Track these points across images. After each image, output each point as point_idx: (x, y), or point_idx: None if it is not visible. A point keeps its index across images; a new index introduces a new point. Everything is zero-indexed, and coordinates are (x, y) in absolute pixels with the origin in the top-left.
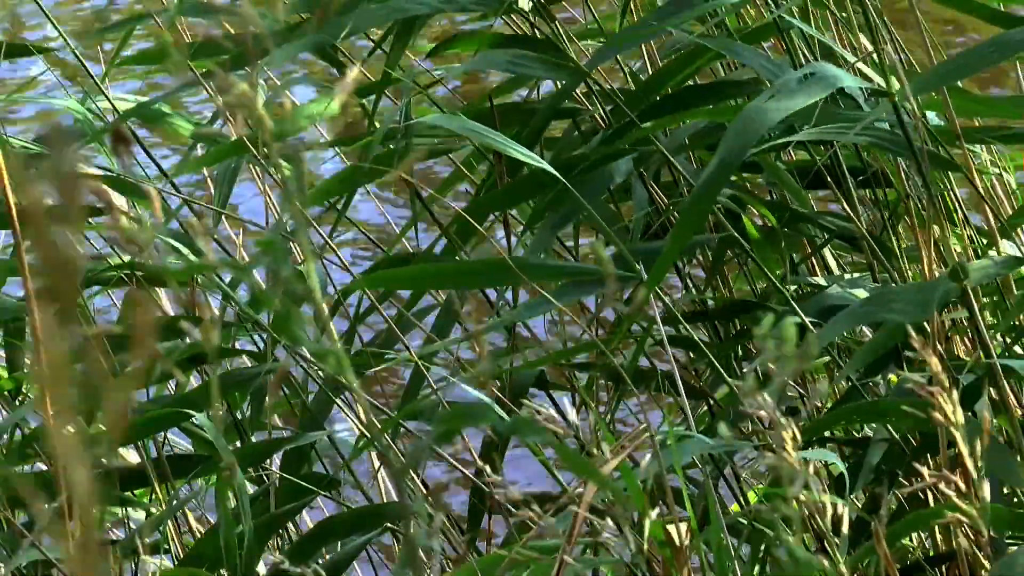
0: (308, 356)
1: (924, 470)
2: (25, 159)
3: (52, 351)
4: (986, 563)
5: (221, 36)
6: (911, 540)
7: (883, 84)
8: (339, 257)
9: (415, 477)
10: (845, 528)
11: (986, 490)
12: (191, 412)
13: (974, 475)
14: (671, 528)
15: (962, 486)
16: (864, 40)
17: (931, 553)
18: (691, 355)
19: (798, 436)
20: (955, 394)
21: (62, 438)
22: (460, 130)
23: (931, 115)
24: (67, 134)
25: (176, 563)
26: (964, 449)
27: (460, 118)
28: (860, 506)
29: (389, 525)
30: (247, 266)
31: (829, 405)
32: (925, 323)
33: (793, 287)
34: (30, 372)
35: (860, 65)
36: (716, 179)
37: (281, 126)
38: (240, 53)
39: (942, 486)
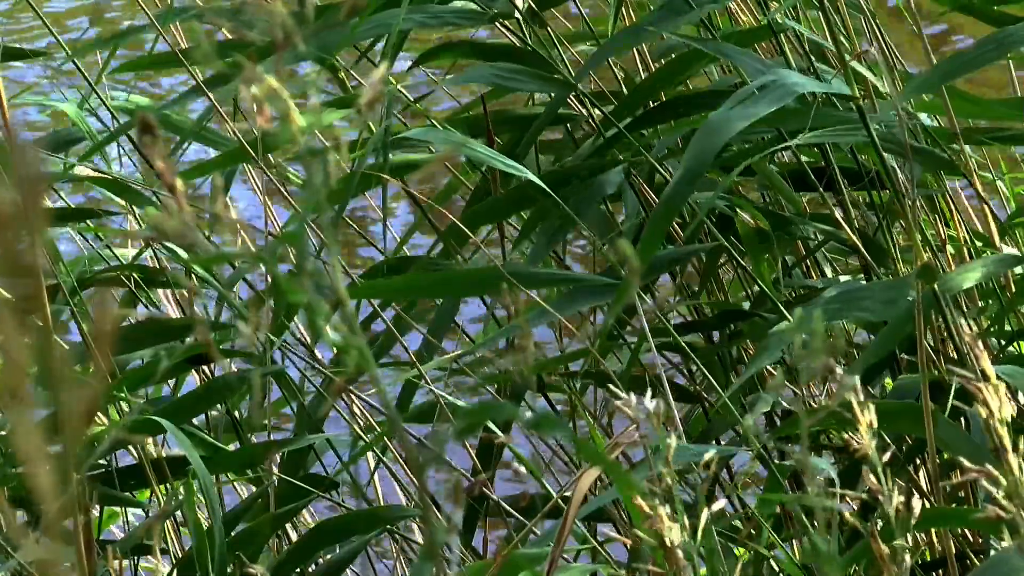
0: (307, 358)
1: (967, 464)
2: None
3: (14, 354)
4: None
5: (245, 34)
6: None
7: (866, 87)
8: (337, 259)
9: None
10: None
11: None
12: (163, 421)
13: (1016, 473)
14: (663, 528)
15: (1004, 482)
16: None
17: (927, 557)
18: (684, 359)
19: (874, 422)
20: (1002, 389)
21: (25, 441)
22: (445, 143)
23: (923, 116)
24: (27, 137)
25: (173, 564)
26: (1008, 445)
27: (445, 131)
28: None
29: (388, 528)
30: (271, 257)
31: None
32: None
33: (787, 290)
34: None
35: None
36: (681, 189)
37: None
38: (263, 50)
39: (985, 482)
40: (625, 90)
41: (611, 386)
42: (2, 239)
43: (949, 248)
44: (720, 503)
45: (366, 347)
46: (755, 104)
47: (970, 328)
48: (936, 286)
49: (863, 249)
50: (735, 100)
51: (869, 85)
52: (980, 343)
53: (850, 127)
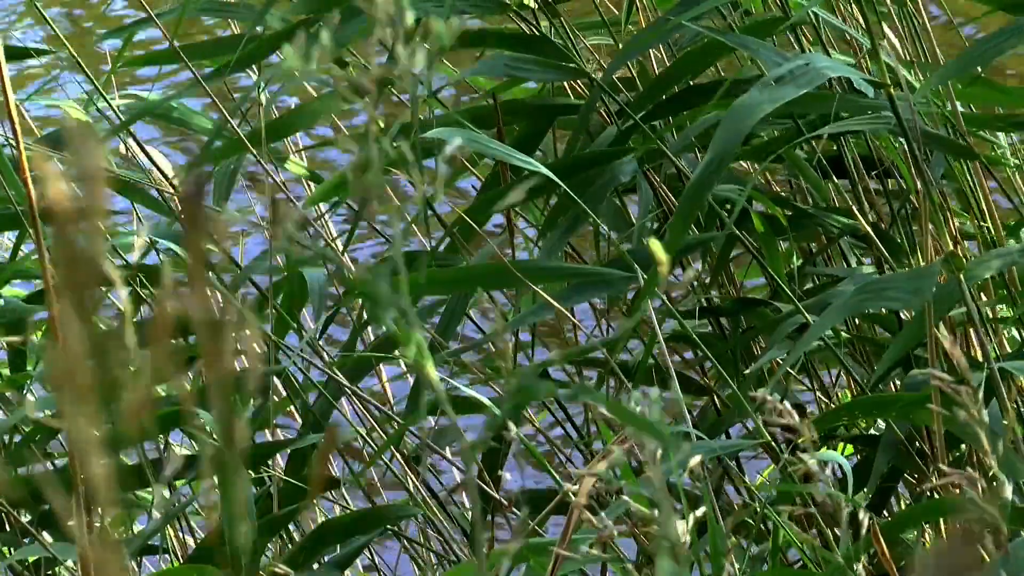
0: (308, 358)
1: (944, 467)
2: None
3: (70, 344)
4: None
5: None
6: (917, 537)
7: (888, 74)
8: (341, 257)
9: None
10: (846, 525)
11: (1008, 490)
12: (202, 412)
13: (998, 474)
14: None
15: (983, 484)
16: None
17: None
18: (696, 352)
19: (815, 436)
20: (980, 393)
21: (79, 433)
22: (466, 142)
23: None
24: (89, 134)
25: (176, 563)
26: (987, 447)
27: (460, 130)
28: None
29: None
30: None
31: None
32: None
33: (809, 278)
34: (47, 367)
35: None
36: (708, 176)
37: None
38: (246, 54)
39: (964, 484)
40: (639, 80)
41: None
42: (62, 232)
43: (967, 240)
44: (700, 510)
45: (423, 341)
46: (783, 87)
47: (983, 320)
48: (961, 275)
49: (878, 242)
50: (763, 84)
51: (896, 73)
52: (958, 348)
53: (874, 117)
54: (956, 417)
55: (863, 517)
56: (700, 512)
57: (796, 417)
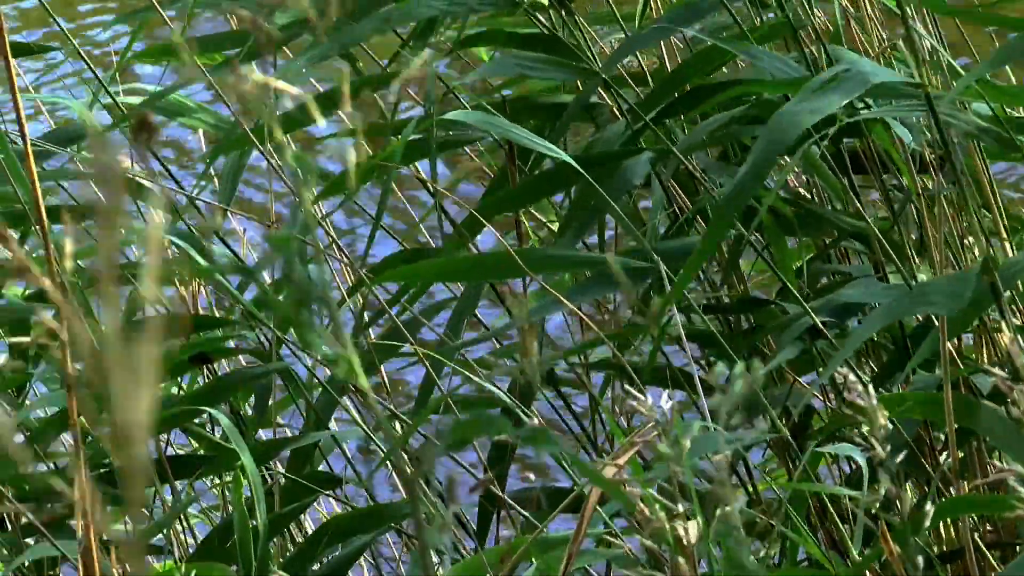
0: (314, 356)
1: (996, 464)
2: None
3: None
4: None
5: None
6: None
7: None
8: (345, 255)
9: (425, 479)
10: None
11: None
12: (204, 408)
13: None
14: (679, 527)
15: None
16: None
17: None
18: (703, 350)
19: (888, 425)
20: None
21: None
22: (486, 126)
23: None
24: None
25: (178, 562)
26: None
27: (485, 114)
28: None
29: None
30: (256, 268)
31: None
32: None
33: (821, 274)
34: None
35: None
36: (749, 183)
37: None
38: (253, 47)
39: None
40: (649, 76)
41: (627, 386)
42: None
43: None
44: (741, 500)
45: (355, 358)
46: (826, 96)
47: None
48: (997, 275)
49: (883, 243)
50: (807, 91)
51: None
52: (1017, 347)
53: (907, 104)
54: (979, 417)
55: (927, 510)
56: (739, 503)
57: (874, 400)
